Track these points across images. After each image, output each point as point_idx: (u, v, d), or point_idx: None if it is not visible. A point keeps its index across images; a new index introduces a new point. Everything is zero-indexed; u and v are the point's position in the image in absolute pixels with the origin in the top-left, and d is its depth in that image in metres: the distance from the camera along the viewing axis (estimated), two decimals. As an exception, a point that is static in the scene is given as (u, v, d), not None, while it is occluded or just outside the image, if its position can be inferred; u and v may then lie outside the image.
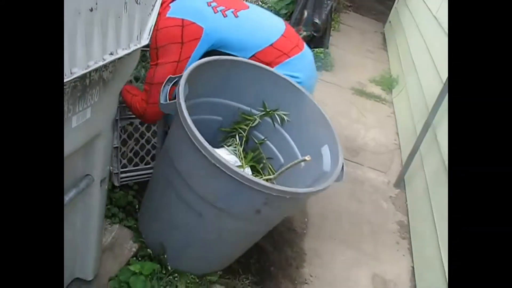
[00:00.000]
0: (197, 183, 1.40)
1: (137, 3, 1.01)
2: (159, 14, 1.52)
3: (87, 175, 1.22)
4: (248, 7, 1.75)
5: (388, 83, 4.28)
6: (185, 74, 1.46)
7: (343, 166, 1.45)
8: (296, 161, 1.53)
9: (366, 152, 3.09)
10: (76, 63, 0.84)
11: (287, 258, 2.02)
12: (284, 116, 1.75)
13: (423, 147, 2.56)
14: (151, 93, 1.65)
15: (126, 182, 2.00)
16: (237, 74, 1.73)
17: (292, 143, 1.75)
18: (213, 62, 1.61)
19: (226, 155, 1.67)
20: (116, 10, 0.95)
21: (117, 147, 1.89)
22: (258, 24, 1.76)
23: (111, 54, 0.98)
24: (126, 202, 1.93)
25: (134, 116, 1.87)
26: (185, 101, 1.63)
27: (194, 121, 1.74)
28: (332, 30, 5.61)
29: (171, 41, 1.59)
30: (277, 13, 3.20)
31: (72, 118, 0.98)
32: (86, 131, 1.07)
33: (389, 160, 3.07)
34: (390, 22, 6.00)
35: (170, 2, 1.65)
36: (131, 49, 1.03)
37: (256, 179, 1.25)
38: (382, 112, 3.78)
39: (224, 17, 1.65)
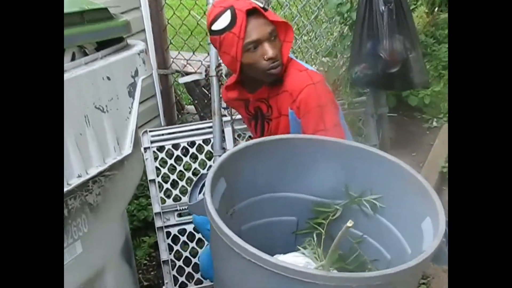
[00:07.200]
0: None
1: (103, 111, 0.89)
2: None
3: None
4: None
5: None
6: (215, 165, 1.22)
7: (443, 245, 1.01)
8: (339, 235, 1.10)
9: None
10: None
11: None
12: (376, 202, 1.36)
13: None
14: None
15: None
16: (301, 156, 1.44)
17: (394, 228, 1.32)
18: (257, 145, 1.37)
19: (293, 258, 1.33)
20: (73, 127, 0.84)
21: (166, 260, 1.72)
22: None
23: (79, 176, 0.85)
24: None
25: (184, 221, 1.80)
26: (236, 201, 1.39)
27: (257, 227, 1.47)
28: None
29: None
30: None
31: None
32: (80, 269, 0.91)
33: None
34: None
35: None
36: (108, 164, 0.89)
37: (294, 266, 0.88)
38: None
39: None
